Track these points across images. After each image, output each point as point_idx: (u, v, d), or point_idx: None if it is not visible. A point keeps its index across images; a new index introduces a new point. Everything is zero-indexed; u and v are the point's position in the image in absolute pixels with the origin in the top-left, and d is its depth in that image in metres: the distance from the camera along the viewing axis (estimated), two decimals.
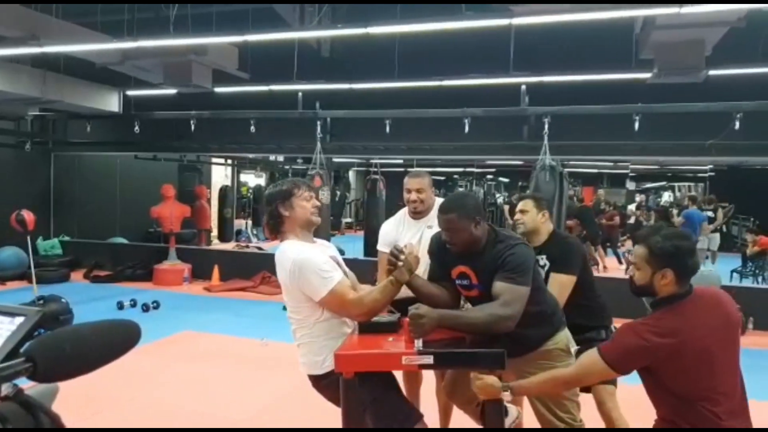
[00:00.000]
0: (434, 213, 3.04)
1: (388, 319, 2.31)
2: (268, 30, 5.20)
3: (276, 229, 2.33)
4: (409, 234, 3.04)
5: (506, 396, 2.01)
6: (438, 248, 2.41)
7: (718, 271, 8.08)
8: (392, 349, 2.12)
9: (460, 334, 2.17)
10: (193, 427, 3.54)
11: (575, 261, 2.78)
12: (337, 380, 2.09)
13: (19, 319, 0.92)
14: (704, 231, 9.79)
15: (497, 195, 18.83)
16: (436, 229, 2.99)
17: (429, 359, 2.03)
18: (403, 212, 3.20)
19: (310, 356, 2.27)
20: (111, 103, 8.58)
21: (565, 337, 2.44)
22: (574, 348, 2.45)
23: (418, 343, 2.03)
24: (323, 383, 2.25)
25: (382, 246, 3.12)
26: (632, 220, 13.24)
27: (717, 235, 10.27)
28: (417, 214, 3.08)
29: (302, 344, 2.30)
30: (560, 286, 2.67)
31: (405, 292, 2.32)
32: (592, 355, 1.94)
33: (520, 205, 2.92)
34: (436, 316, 2.04)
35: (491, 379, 2.02)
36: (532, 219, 2.87)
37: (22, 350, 0.88)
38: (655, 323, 1.85)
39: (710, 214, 10.10)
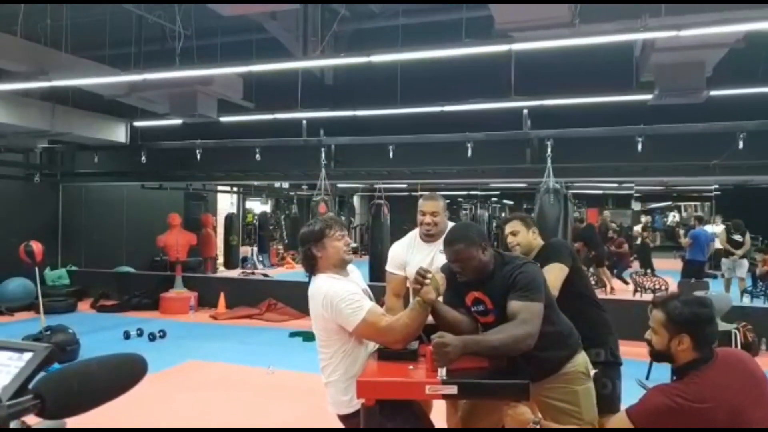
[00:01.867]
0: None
1: (408, 347, 2.30)
2: (271, 60, 5.28)
3: (310, 269, 2.40)
4: (419, 257, 3.01)
5: (533, 427, 1.99)
6: (449, 277, 2.41)
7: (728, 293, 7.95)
8: (416, 377, 2.13)
9: (482, 364, 2.16)
10: None
11: (563, 253, 2.79)
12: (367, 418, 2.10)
13: (28, 355, 0.93)
14: (733, 256, 9.19)
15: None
16: None
17: (453, 389, 2.02)
18: (414, 234, 3.16)
19: (338, 396, 2.30)
20: (118, 134, 8.70)
21: (583, 359, 2.43)
22: (593, 371, 2.44)
23: (442, 373, 2.02)
24: (353, 422, 2.27)
25: (392, 267, 3.11)
26: (638, 241, 13.19)
27: (745, 261, 9.37)
28: (429, 237, 3.03)
29: (329, 383, 2.33)
30: (548, 272, 2.63)
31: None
32: (621, 416, 1.93)
33: (508, 228, 2.91)
34: (460, 344, 2.03)
35: (525, 410, 2.02)
36: (525, 237, 2.88)
37: (30, 387, 0.89)
38: (684, 388, 1.83)
39: (738, 237, 9.29)
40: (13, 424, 0.86)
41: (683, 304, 1.89)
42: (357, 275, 2.55)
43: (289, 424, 4.16)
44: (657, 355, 1.97)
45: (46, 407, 0.86)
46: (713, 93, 5.55)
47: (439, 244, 2.95)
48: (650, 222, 13.87)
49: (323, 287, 2.27)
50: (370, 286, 2.55)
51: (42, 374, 0.92)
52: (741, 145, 6.29)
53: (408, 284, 3.04)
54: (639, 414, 1.87)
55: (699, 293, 6.41)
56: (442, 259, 2.78)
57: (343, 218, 15.42)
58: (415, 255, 3.04)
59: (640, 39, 4.98)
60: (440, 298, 2.38)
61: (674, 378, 1.95)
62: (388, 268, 3.13)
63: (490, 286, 2.27)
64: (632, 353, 3.29)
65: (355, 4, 5.91)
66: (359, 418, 2.17)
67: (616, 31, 4.31)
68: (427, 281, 2.22)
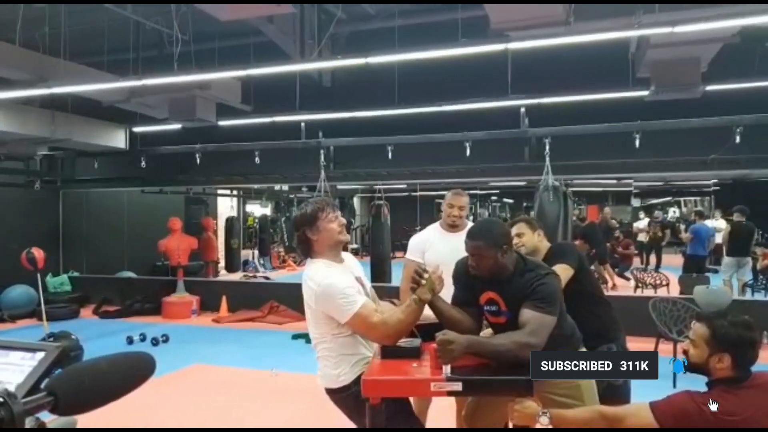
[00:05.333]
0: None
1: (410, 345, 2.32)
2: (269, 63, 5.30)
3: (306, 252, 2.40)
4: (441, 245, 3.25)
5: (544, 420, 2.00)
6: (465, 274, 2.42)
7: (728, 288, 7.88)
8: (420, 375, 2.14)
9: (485, 360, 2.17)
10: None
11: (571, 255, 2.88)
12: (352, 395, 2.15)
13: (40, 355, 0.96)
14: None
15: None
16: None
17: (458, 386, 2.04)
18: (435, 226, 3.48)
19: (327, 370, 2.32)
20: (118, 139, 8.73)
21: None
22: None
23: (447, 370, 2.04)
24: (339, 396, 2.30)
25: (410, 255, 3.39)
26: (642, 237, 13.13)
27: (749, 260, 8.68)
28: (453, 228, 3.33)
29: (320, 357, 2.36)
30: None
31: (427, 316, 2.36)
32: (642, 405, 1.95)
33: (514, 230, 2.97)
34: (464, 342, 2.06)
35: (531, 404, 2.03)
36: (530, 240, 2.96)
37: (43, 385, 0.92)
38: (713, 400, 1.84)
39: (719, 223, 8.95)
40: (27, 421, 0.88)
41: (730, 325, 1.90)
42: (353, 261, 2.56)
43: (293, 426, 4.18)
44: (692, 367, 1.98)
45: (59, 404, 0.89)
46: (709, 88, 5.58)
47: (462, 234, 3.21)
48: (657, 218, 13.63)
49: (317, 276, 2.26)
50: (372, 286, 2.58)
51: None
52: (738, 139, 6.30)
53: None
54: (663, 409, 1.89)
55: (700, 287, 6.45)
56: (464, 250, 2.98)
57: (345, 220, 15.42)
58: (436, 243, 3.32)
59: (635, 36, 5.00)
60: (449, 296, 2.41)
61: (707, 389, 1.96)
62: (408, 256, 3.41)
63: (507, 288, 2.28)
64: (634, 348, 3.31)
65: (349, 3, 5.91)
66: (346, 393, 2.23)
67: (611, 28, 4.33)
68: (423, 281, 2.25)
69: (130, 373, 1.03)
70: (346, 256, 2.51)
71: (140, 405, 3.74)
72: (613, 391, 2.60)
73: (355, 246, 17.97)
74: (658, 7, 4.26)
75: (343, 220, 2.44)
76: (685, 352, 2.02)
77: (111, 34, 6.19)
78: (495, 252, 2.23)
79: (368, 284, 2.52)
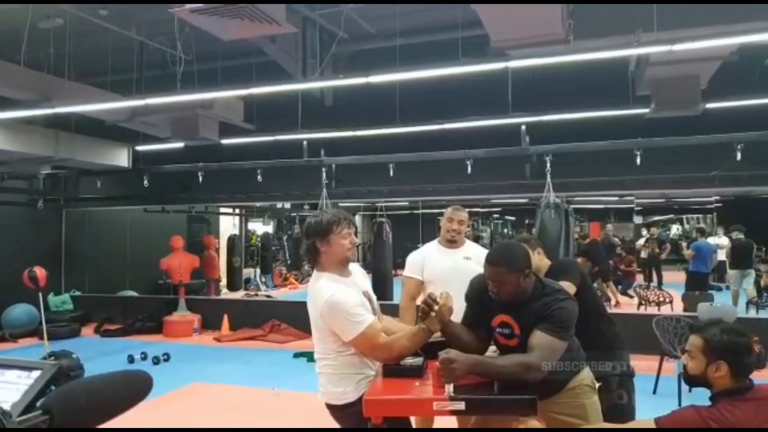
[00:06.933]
0: (469, 245, 3.43)
1: (413, 364, 2.29)
2: (271, 83, 5.35)
3: (312, 262, 2.38)
4: (440, 262, 3.28)
5: None
6: (479, 295, 2.38)
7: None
8: (423, 394, 2.12)
9: (488, 379, 2.15)
10: None
11: (573, 271, 2.90)
12: (356, 412, 2.12)
13: (36, 373, 0.96)
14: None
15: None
16: (474, 260, 3.14)
17: (461, 405, 2.01)
18: (433, 243, 3.49)
19: (330, 387, 2.30)
20: (121, 158, 8.77)
21: (588, 372, 2.44)
22: (596, 384, 2.45)
23: (449, 389, 2.01)
24: (343, 414, 2.27)
25: (409, 272, 3.40)
26: (644, 254, 13.10)
27: (751, 272, 9.45)
28: (452, 243, 3.35)
29: (322, 374, 2.33)
30: None
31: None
32: (645, 420, 1.95)
33: None
34: (467, 362, 2.04)
35: (536, 423, 2.02)
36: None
37: (38, 403, 0.91)
38: (718, 414, 1.84)
39: (721, 240, 9.42)
40: None
41: (722, 332, 1.91)
42: (360, 274, 2.53)
43: None
44: (691, 380, 1.97)
45: (54, 422, 0.88)
46: (710, 105, 5.60)
47: (463, 251, 3.33)
48: (653, 235, 13.65)
49: (324, 293, 2.23)
50: None
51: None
52: (739, 156, 6.30)
53: (419, 300, 3.18)
54: (668, 424, 1.88)
55: (703, 305, 6.40)
56: (464, 266, 3.04)
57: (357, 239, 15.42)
58: (435, 260, 3.33)
59: (635, 54, 5.03)
60: (456, 308, 2.39)
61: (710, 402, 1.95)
62: (406, 273, 3.41)
63: (523, 312, 2.24)
64: (638, 367, 3.29)
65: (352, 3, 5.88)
66: (350, 411, 2.20)
67: (610, 46, 4.36)
68: (433, 313, 2.23)
69: (126, 391, 1.02)
70: (354, 268, 2.48)
71: (140, 423, 3.70)
72: (618, 410, 2.58)
73: (357, 264, 17.92)
74: (656, 25, 4.29)
75: (356, 239, 2.40)
76: (684, 366, 2.02)
77: (115, 55, 6.26)
78: (516, 277, 2.19)
79: (374, 298, 2.49)
